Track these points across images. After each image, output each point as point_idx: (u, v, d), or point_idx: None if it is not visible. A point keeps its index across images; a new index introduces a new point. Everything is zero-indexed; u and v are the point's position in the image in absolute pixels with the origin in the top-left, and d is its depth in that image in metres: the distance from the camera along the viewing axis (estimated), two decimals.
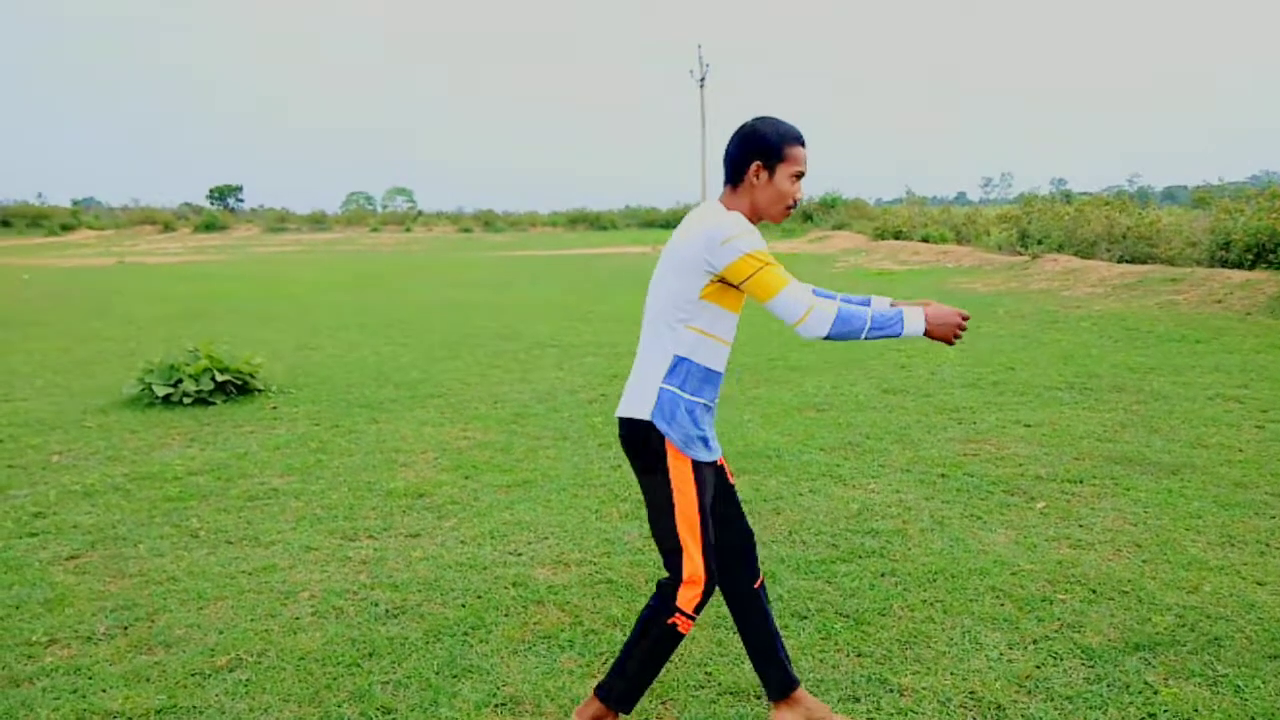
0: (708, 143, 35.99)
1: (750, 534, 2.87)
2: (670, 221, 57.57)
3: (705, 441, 2.60)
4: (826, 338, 2.45)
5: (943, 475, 5.37)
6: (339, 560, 4.31)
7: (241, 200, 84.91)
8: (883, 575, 4.00)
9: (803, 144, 2.56)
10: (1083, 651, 3.30)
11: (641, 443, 2.58)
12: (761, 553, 4.24)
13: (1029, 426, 6.43)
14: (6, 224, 58.62)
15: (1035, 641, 3.38)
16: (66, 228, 59.21)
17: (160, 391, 7.62)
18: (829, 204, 49.43)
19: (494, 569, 4.15)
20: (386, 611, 3.74)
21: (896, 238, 29.92)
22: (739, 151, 2.55)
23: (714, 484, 2.69)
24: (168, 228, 61.62)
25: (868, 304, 2.73)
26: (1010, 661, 3.24)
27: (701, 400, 2.59)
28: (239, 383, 7.96)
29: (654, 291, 2.61)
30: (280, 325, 13.31)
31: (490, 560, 4.25)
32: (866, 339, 2.48)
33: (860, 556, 4.20)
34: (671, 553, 2.60)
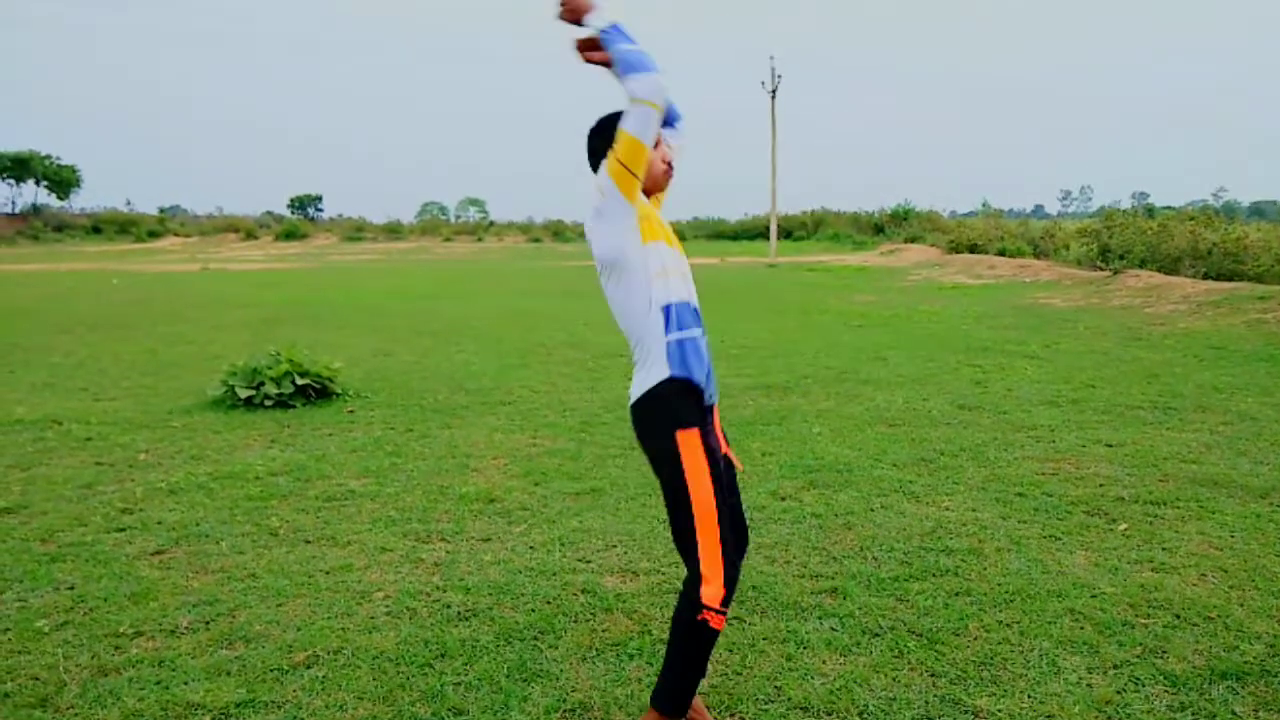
0: (779, 154, 35.80)
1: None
2: (739, 233, 57.44)
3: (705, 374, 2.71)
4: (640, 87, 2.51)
5: (1020, 494, 5.26)
6: (412, 562, 4.38)
7: (321, 209, 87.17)
8: (957, 594, 3.92)
9: None
10: (1166, 678, 3.20)
11: (649, 425, 2.70)
12: (831, 568, 4.21)
13: (1110, 446, 6.26)
14: (97, 230, 61.15)
15: (1116, 666, 3.29)
16: (153, 234, 61.54)
17: (242, 394, 7.84)
18: (901, 216, 48.69)
19: (563, 575, 4.17)
20: (458, 614, 3.80)
21: (971, 251, 29.45)
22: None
23: (726, 478, 2.77)
24: (250, 235, 63.46)
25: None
26: (1090, 686, 3.16)
27: (691, 335, 2.69)
28: (318, 386, 8.14)
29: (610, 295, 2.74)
30: (357, 331, 13.60)
31: (559, 566, 4.28)
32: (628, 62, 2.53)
33: (934, 575, 4.13)
34: (688, 550, 2.64)
